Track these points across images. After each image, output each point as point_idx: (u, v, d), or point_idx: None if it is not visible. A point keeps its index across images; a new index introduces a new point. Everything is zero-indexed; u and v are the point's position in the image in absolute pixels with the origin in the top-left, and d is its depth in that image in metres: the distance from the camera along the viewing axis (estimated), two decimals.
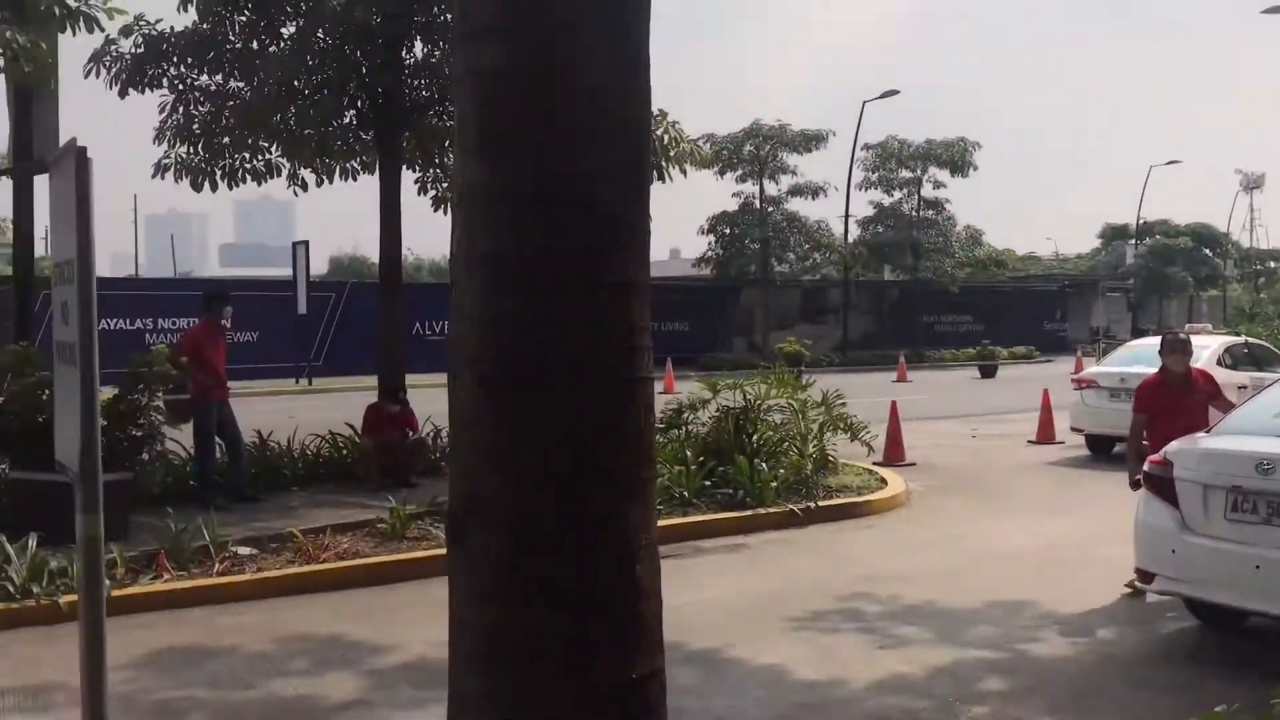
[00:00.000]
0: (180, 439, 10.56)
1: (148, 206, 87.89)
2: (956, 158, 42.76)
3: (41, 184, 10.97)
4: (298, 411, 17.76)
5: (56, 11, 8.39)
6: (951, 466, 13.73)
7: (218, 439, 10.51)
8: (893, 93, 40.90)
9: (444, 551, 8.39)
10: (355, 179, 13.95)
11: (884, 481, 11.90)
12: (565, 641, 2.55)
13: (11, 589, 7.13)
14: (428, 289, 37.54)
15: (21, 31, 8.52)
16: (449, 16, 12.24)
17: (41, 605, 7.06)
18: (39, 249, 15.99)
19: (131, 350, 10.49)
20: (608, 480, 2.58)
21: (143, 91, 12.08)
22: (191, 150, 12.49)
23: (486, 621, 2.59)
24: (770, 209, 39.33)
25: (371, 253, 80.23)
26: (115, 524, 8.51)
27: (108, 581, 7.33)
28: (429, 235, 33.64)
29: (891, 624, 7.00)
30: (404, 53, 12.52)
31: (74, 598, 7.01)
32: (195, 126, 12.36)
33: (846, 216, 42.70)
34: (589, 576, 2.56)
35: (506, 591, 2.56)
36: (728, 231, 39.17)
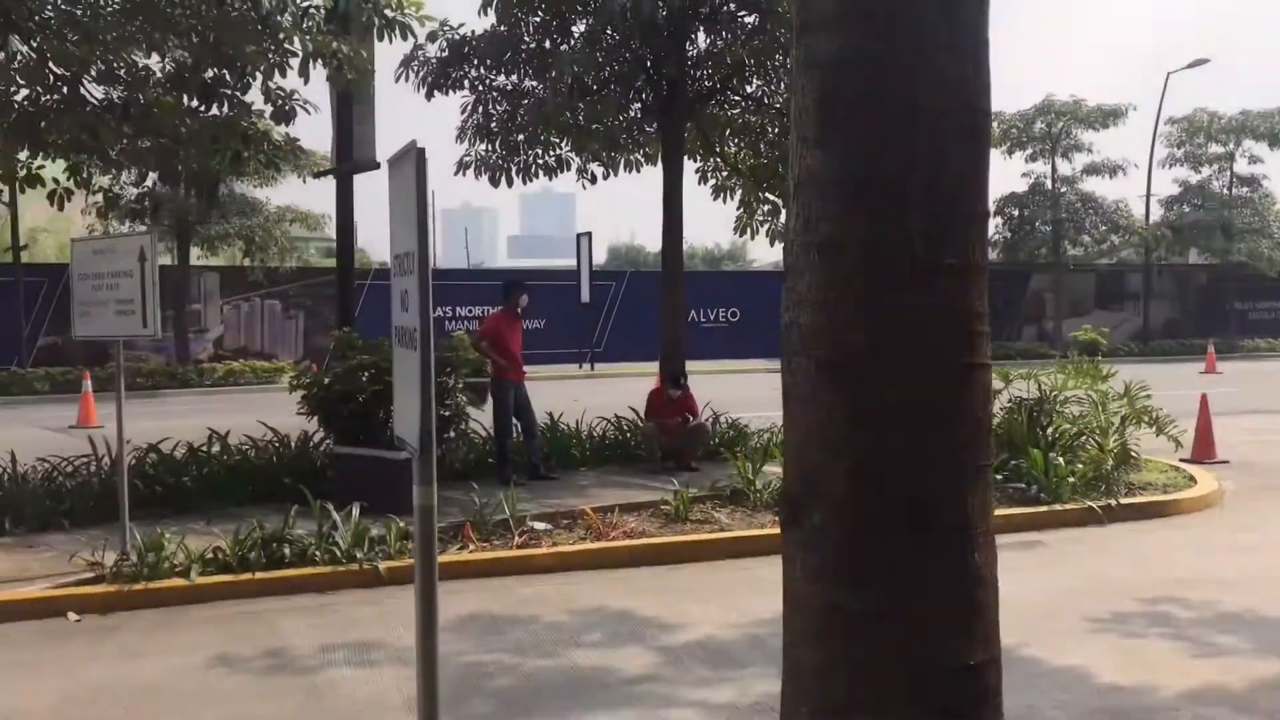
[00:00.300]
0: (480, 419, 11.23)
1: (444, 201, 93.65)
2: (1277, 129, 38.98)
3: (360, 182, 11.93)
4: (581, 395, 18.47)
5: (376, 22, 9.10)
6: (1271, 465, 12.59)
7: (514, 419, 11.10)
8: (1201, 61, 37.79)
9: (726, 535, 8.56)
10: (639, 170, 14.38)
11: (1193, 480, 11.07)
12: (900, 624, 2.57)
13: (338, 553, 7.81)
14: (703, 277, 38.15)
15: (345, 42, 9.29)
16: (732, 6, 12.37)
17: (364, 569, 7.70)
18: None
19: (434, 337, 11.24)
20: (945, 466, 2.58)
21: (446, 93, 12.90)
22: (490, 148, 13.25)
23: (821, 601, 2.63)
24: (1063, 189, 37.31)
25: (648, 242, 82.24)
26: None
27: None
28: (702, 224, 34.07)
29: (1205, 631, 6.52)
30: (687, 44, 12.76)
31: (392, 564, 7.67)
32: (493, 125, 13.10)
33: (1148, 196, 39.83)
34: (925, 562, 2.57)
35: (842, 572, 2.60)
36: (1016, 213, 37.44)
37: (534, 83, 12.93)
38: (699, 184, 14.55)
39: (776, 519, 9.29)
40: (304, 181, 25.02)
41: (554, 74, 12.20)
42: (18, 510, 8.94)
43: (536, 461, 11.08)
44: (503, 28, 12.55)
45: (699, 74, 13.23)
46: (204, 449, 10.46)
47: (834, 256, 2.59)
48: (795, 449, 2.69)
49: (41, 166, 11.19)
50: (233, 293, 29.01)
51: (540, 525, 8.88)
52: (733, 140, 14.20)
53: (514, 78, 13.00)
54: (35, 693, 5.62)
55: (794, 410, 2.70)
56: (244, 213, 27.13)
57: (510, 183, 13.42)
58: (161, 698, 5.57)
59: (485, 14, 12.41)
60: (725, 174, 14.40)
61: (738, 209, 14.50)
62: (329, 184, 11.85)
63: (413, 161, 3.15)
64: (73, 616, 6.94)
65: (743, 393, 20.91)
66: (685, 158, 13.49)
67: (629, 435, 12.37)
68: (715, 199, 14.52)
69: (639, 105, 13.28)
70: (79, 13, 9.99)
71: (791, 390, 2.70)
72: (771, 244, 14.47)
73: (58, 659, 6.20)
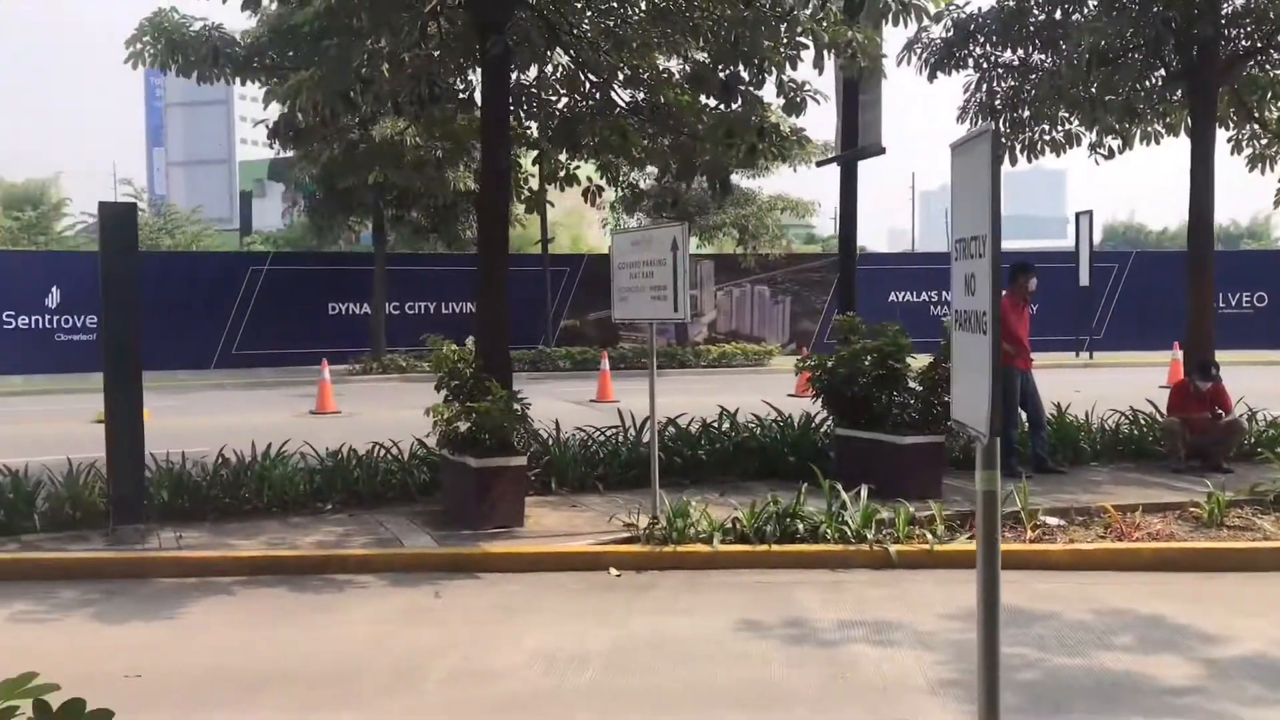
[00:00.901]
0: None
1: (922, 184, 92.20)
2: None
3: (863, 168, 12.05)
4: (1082, 385, 17.40)
5: (892, 6, 9.13)
6: None
7: (1020, 409, 10.69)
8: None
9: (1273, 545, 7.68)
10: (1157, 142, 13.30)
11: None
12: None
13: (848, 532, 7.99)
14: (1223, 257, 34.36)
15: (859, 30, 9.41)
16: None
17: (873, 550, 7.80)
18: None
19: (915, 321, 11.08)
20: None
21: (949, 73, 12.65)
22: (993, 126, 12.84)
23: None
24: None
25: (1149, 219, 75.70)
26: (930, 483, 9.14)
27: (930, 536, 7.89)
28: (1218, 198, 30.73)
29: None
30: (1223, 1, 11.58)
31: (901, 547, 7.72)
32: (997, 103, 12.68)
33: None
34: None
35: None
36: None
37: (1042, 56, 12.35)
38: (1231, 154, 13.17)
39: None
40: (794, 170, 25.80)
41: (1067, 45, 11.57)
42: (562, 473, 10.07)
43: (1043, 454, 10.61)
44: (1010, 2, 12.12)
45: (1234, 33, 11.96)
46: (714, 425, 11.12)
47: None
48: None
49: (578, 167, 12.49)
50: (725, 279, 30.54)
51: (1053, 520, 8.51)
52: (1274, 104, 12.68)
53: (1020, 52, 12.51)
54: (590, 638, 6.28)
55: None
56: (738, 203, 28.44)
57: (1014, 161, 12.94)
58: (696, 653, 6.01)
59: None
60: (1264, 142, 12.90)
61: (1279, 181, 12.95)
62: (809, 172, 12.10)
63: (986, 144, 3.12)
64: (613, 572, 7.69)
65: (1278, 386, 18.69)
66: (1216, 125, 12.25)
67: (1145, 429, 11.48)
68: (1250, 170, 13.05)
69: (1161, 72, 12.24)
70: (612, 24, 10.99)
71: None
72: None
73: (604, 609, 6.90)
